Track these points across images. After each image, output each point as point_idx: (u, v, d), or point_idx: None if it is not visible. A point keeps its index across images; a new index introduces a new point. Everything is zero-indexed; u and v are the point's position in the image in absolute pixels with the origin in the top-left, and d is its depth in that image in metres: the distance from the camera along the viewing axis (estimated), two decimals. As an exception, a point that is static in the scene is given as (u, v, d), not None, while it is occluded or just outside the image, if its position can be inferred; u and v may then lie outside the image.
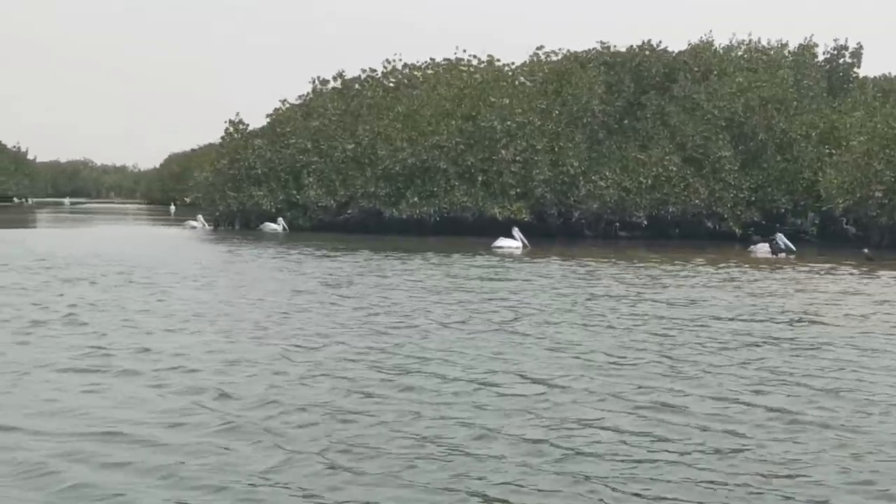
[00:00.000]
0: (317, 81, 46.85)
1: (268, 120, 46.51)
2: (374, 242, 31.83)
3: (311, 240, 33.15)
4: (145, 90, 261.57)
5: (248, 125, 46.53)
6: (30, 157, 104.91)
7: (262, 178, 42.92)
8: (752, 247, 30.27)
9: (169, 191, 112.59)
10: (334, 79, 46.96)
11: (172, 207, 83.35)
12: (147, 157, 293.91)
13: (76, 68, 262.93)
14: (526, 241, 28.83)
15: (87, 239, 33.69)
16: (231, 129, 46.32)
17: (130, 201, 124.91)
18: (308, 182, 40.86)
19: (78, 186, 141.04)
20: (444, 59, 47.22)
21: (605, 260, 24.69)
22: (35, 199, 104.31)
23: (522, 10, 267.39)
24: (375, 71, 46.81)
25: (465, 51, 46.99)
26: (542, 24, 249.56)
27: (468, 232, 38.07)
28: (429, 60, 47.02)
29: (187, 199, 55.99)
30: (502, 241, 28.75)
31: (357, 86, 46.22)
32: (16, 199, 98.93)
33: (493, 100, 39.55)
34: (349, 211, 40.41)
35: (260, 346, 10.76)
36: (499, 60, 46.39)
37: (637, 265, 23.20)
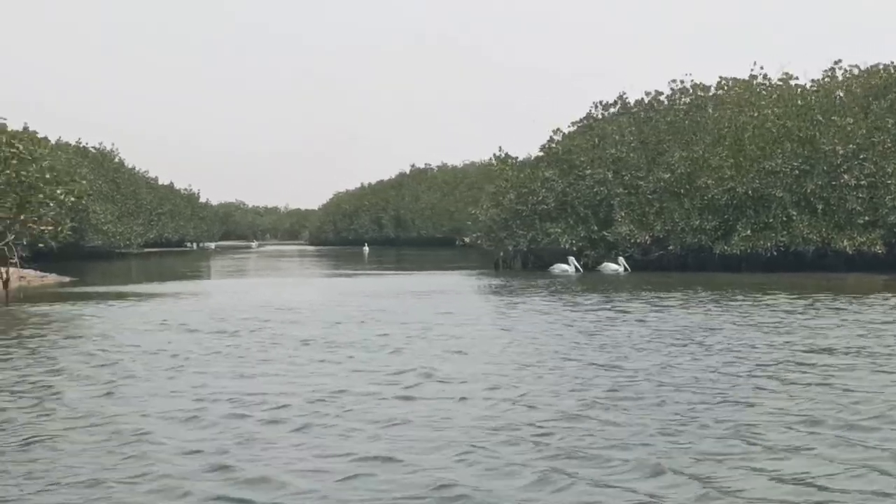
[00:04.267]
0: (599, 106, 43.10)
1: (541, 151, 42.89)
2: (760, 282, 27.47)
3: (686, 283, 28.87)
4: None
5: (516, 157, 43.03)
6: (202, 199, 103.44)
7: (552, 212, 39.11)
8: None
9: (341, 231, 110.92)
10: (614, 103, 43.19)
11: (366, 248, 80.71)
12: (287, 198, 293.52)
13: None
14: None
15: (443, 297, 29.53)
16: (498, 163, 42.84)
17: (290, 242, 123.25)
18: (620, 217, 36.80)
19: (231, 229, 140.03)
20: (731, 78, 43.15)
21: None
22: (215, 244, 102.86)
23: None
24: (662, 93, 42.91)
25: (761, 68, 42.24)
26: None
27: (808, 267, 33.73)
28: (719, 79, 42.89)
29: (466, 240, 52.16)
30: None
31: (639, 110, 42.35)
32: (188, 244, 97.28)
33: (835, 118, 35.10)
34: (669, 247, 36.21)
35: None
36: (795, 78, 42.16)
37: None
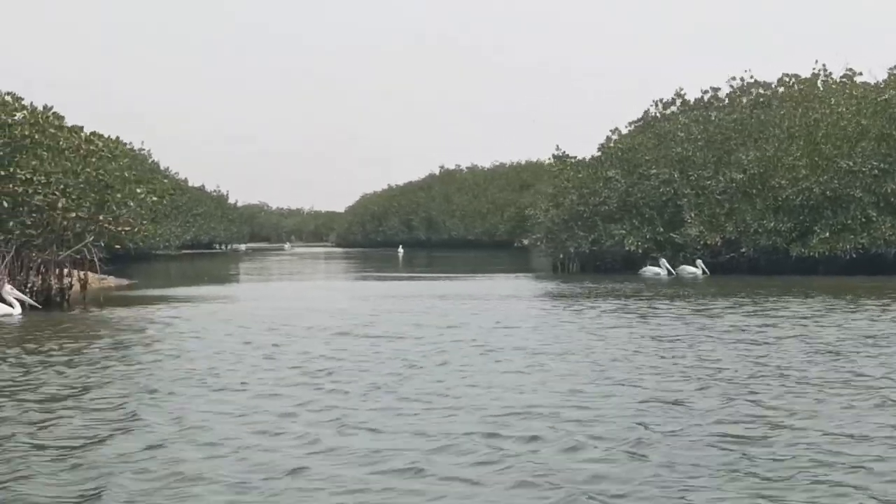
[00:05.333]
0: (659, 104, 42.02)
1: (599, 151, 41.81)
2: (872, 286, 26.29)
3: (790, 286, 27.53)
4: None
5: (574, 157, 41.85)
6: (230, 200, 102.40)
7: (615, 213, 38.03)
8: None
9: (370, 233, 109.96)
10: (672, 101, 42.11)
11: (401, 251, 79.77)
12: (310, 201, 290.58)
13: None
14: None
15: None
16: (557, 162, 41.76)
17: (316, 244, 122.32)
18: (689, 218, 35.69)
19: (255, 231, 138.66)
20: (792, 74, 42.04)
21: None
22: (245, 245, 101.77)
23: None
24: (719, 89, 41.89)
25: (824, 65, 41.11)
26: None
27: (889, 269, 32.53)
28: (781, 76, 41.81)
29: (525, 241, 51.12)
30: None
31: (699, 108, 41.28)
32: (216, 246, 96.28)
33: (914, 115, 34.00)
34: (742, 249, 35.10)
35: None
36: (860, 74, 41.02)
37: None
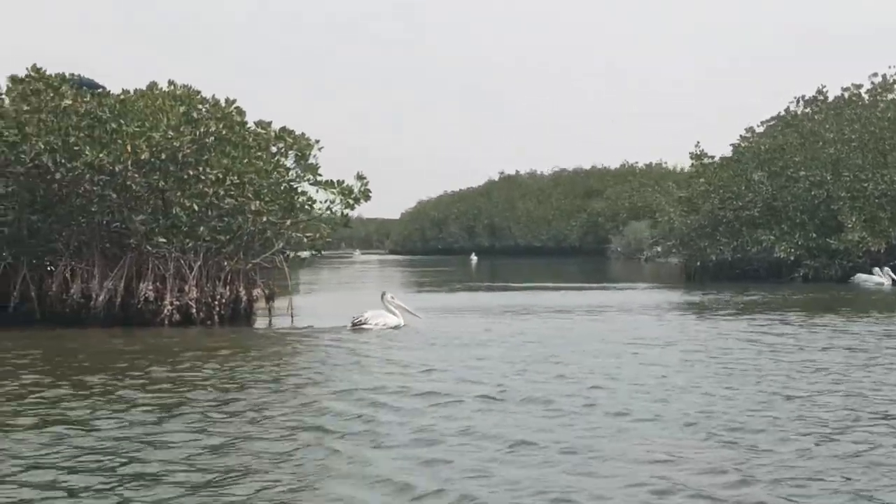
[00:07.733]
0: (800, 101, 39.61)
1: (733, 153, 39.33)
2: None
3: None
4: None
5: (713, 157, 39.32)
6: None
7: (758, 218, 35.63)
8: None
9: (430, 240, 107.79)
10: (814, 98, 39.66)
11: (474, 258, 77.53)
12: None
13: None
14: None
15: None
16: (695, 162, 39.27)
17: (372, 252, 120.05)
18: (850, 223, 33.26)
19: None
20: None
21: None
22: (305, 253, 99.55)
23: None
24: (861, 86, 39.37)
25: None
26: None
27: None
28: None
29: (658, 249, 48.58)
30: None
31: (842, 106, 38.79)
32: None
33: None
34: (910, 256, 32.75)
35: None
36: None
37: None
